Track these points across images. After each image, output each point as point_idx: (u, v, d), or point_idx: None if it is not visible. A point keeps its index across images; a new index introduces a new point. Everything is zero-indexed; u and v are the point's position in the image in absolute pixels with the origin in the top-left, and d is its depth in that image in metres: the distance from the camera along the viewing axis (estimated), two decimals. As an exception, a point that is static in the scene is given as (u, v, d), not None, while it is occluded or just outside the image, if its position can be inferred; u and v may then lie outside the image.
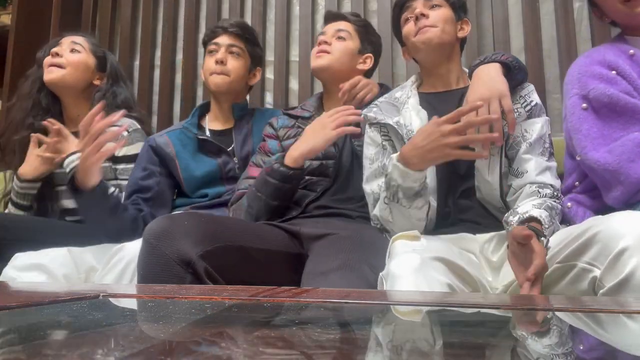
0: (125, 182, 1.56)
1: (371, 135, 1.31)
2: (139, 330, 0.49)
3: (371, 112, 1.31)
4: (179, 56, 2.30)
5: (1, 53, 2.39)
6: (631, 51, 1.16)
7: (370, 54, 1.55)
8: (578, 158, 1.15)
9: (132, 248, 1.22)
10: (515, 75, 1.22)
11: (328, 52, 1.49)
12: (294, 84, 2.11)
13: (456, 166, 1.23)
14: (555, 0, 1.84)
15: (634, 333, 0.49)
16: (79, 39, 1.67)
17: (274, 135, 1.53)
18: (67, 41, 1.66)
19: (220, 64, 1.56)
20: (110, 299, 0.69)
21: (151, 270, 1.04)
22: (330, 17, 1.60)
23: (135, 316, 0.60)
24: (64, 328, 0.50)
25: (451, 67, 1.33)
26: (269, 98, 2.12)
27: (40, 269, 1.28)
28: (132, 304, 0.70)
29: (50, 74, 1.60)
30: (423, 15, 1.28)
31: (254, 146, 1.57)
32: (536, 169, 1.16)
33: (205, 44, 1.66)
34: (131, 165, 1.58)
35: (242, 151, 1.57)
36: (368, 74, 1.56)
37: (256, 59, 1.67)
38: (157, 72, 2.30)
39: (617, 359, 0.41)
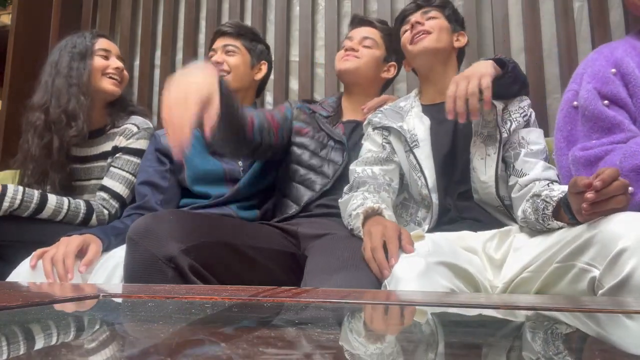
0: (119, 172, 1.56)
1: (373, 136, 1.36)
2: (139, 330, 0.49)
3: (376, 118, 1.36)
4: (179, 56, 2.30)
5: (1, 53, 2.39)
6: None
7: (394, 63, 1.57)
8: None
9: (120, 252, 1.23)
10: (510, 76, 1.23)
11: (356, 57, 1.51)
12: (294, 84, 2.11)
13: (451, 171, 1.26)
14: (555, 0, 1.84)
15: (633, 333, 0.49)
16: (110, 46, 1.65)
17: (289, 109, 1.56)
18: (115, 49, 1.65)
19: (217, 65, 1.57)
20: (110, 299, 0.69)
21: (134, 267, 1.04)
22: (357, 22, 1.61)
23: (136, 316, 0.60)
24: (64, 328, 0.50)
25: (448, 75, 1.34)
26: (269, 98, 2.12)
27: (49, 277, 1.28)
28: (132, 304, 0.70)
29: (114, 87, 1.60)
30: (418, 23, 1.34)
31: None
32: (542, 168, 1.19)
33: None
34: (132, 158, 1.58)
35: None
36: (390, 81, 1.58)
37: (256, 54, 1.66)
38: (157, 72, 2.30)
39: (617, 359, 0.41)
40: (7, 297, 0.64)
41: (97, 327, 0.51)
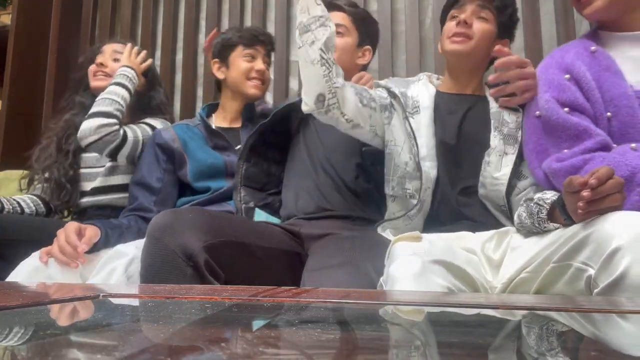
0: (132, 126, 1.64)
1: (378, 90, 1.36)
2: (139, 330, 0.50)
3: (382, 81, 1.37)
4: (179, 56, 2.30)
5: (1, 53, 2.39)
6: (592, 48, 1.15)
7: (369, 46, 1.54)
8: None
9: (120, 250, 1.24)
10: None
11: None
12: (294, 84, 2.11)
13: (462, 161, 1.24)
14: (555, 0, 1.84)
15: (629, 333, 0.49)
16: (119, 46, 1.77)
17: None
18: (109, 50, 1.75)
19: (260, 72, 1.62)
20: (110, 299, 0.69)
21: (153, 263, 1.04)
22: (326, 6, 1.56)
23: (135, 316, 0.60)
24: (64, 328, 0.50)
25: (472, 78, 1.34)
26: (269, 98, 2.12)
27: (50, 279, 1.28)
28: (132, 304, 0.70)
29: (99, 82, 1.69)
30: (466, 23, 1.28)
31: None
32: None
33: (233, 45, 1.64)
34: (144, 126, 1.67)
35: None
36: (366, 66, 1.56)
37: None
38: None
39: (613, 359, 0.41)
40: (7, 297, 0.64)
41: (96, 327, 0.51)
